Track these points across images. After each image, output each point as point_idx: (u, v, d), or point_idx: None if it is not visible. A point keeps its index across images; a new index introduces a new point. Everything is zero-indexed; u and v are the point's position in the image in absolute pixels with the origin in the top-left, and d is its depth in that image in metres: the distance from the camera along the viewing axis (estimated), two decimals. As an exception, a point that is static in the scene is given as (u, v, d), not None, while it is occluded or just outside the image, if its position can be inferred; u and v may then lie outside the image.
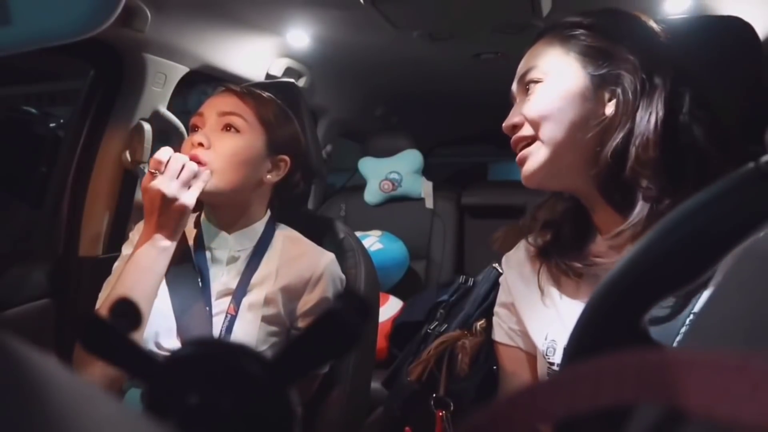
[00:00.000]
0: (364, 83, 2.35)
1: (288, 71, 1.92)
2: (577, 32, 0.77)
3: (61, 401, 0.18)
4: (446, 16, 1.60)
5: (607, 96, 0.74)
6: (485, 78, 2.24)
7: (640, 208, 0.70)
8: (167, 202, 0.96)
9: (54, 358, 0.20)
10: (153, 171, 0.97)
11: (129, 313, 0.30)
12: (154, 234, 0.98)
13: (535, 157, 0.76)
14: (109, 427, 0.19)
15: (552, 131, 0.74)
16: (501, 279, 0.91)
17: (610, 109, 0.73)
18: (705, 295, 0.65)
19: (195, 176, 0.99)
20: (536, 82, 0.77)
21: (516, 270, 0.87)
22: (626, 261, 0.35)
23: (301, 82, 2.00)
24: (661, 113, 0.70)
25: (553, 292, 0.81)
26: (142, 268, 0.98)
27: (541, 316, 0.82)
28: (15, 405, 0.17)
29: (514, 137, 0.79)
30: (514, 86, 0.82)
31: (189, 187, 0.98)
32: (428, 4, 1.49)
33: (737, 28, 0.83)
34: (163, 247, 0.99)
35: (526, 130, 0.77)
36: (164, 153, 0.98)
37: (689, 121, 0.71)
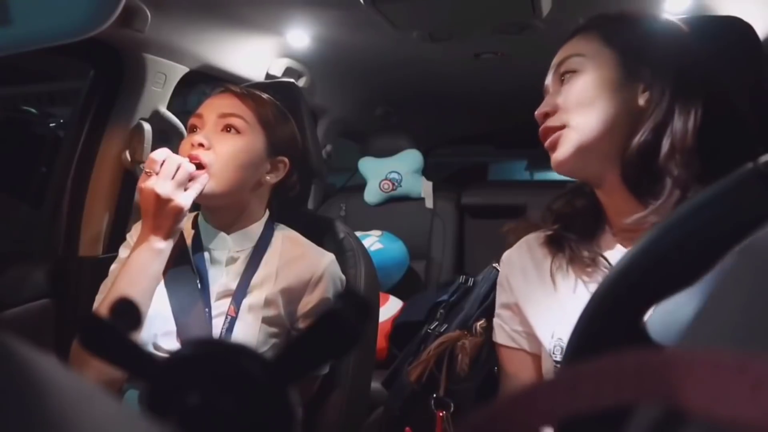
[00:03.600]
0: (364, 83, 2.35)
1: (288, 71, 1.92)
2: (617, 26, 0.79)
3: (61, 401, 0.18)
4: (446, 16, 1.60)
5: (641, 88, 0.75)
6: (485, 78, 2.24)
7: (668, 194, 0.71)
8: (162, 202, 0.95)
9: (54, 358, 0.20)
10: (148, 171, 0.97)
11: (128, 313, 0.30)
12: (150, 235, 0.98)
13: (567, 144, 0.76)
14: (109, 427, 0.19)
15: (585, 121, 0.75)
16: (499, 279, 0.91)
17: (643, 100, 0.75)
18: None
19: (192, 178, 0.98)
20: (572, 72, 0.78)
21: (518, 267, 0.87)
22: (626, 261, 0.35)
23: (301, 82, 2.00)
24: (700, 109, 0.72)
25: (560, 285, 0.81)
26: (136, 270, 0.97)
27: (547, 313, 0.81)
28: (15, 405, 0.17)
29: (543, 126, 0.79)
30: (549, 77, 0.83)
31: (185, 189, 0.98)
32: (428, 4, 1.49)
33: (737, 29, 0.83)
34: (159, 249, 0.98)
35: (558, 119, 0.77)
36: (160, 153, 0.97)
37: (724, 118, 0.72)
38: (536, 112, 0.80)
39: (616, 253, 0.78)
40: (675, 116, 0.73)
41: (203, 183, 1.00)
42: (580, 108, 0.75)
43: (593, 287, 0.78)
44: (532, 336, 0.84)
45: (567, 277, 0.81)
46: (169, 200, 0.95)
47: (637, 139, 0.73)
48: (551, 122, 0.78)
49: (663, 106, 0.73)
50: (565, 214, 0.84)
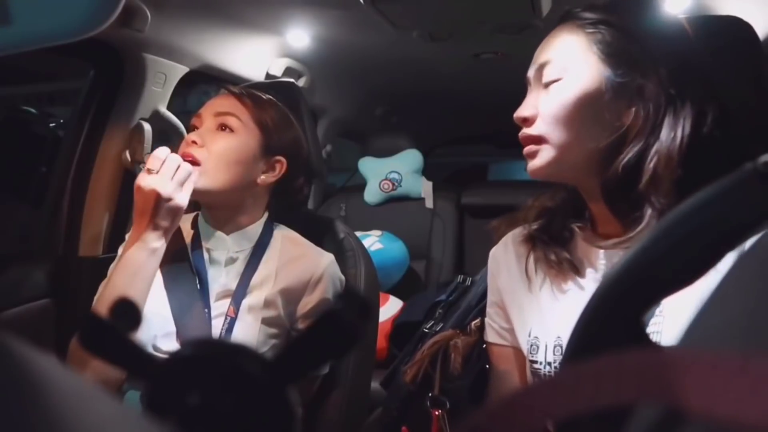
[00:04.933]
0: (364, 83, 2.35)
1: (288, 71, 1.92)
2: (602, 29, 0.73)
3: (61, 401, 0.18)
4: (446, 16, 1.60)
5: (625, 105, 0.71)
6: (485, 78, 2.24)
7: (646, 224, 0.69)
8: (162, 201, 0.95)
9: (54, 358, 0.20)
10: (150, 169, 0.97)
11: (127, 313, 0.30)
12: (146, 234, 0.97)
13: (543, 156, 0.75)
14: (109, 427, 0.19)
15: (563, 135, 0.73)
16: (488, 277, 0.91)
17: (627, 119, 0.71)
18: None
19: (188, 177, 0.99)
20: (554, 81, 0.74)
21: (503, 264, 0.88)
22: (626, 260, 0.35)
23: (301, 82, 2.00)
24: (687, 131, 0.68)
25: (535, 282, 0.82)
26: (131, 270, 0.97)
27: (525, 311, 0.82)
28: (15, 405, 0.17)
29: (522, 134, 0.77)
30: (531, 72, 0.79)
31: (182, 188, 0.98)
32: (428, 4, 1.49)
33: (737, 28, 0.83)
34: (153, 248, 0.98)
35: (536, 129, 0.75)
36: (162, 152, 0.98)
37: (712, 140, 0.69)
38: (515, 115, 0.77)
39: (591, 254, 0.78)
40: (661, 139, 0.69)
41: (194, 181, 1.00)
42: (557, 124, 0.73)
43: (563, 286, 0.79)
44: (514, 332, 0.85)
45: (538, 275, 0.82)
46: (169, 199, 0.96)
47: (620, 160, 0.70)
48: (530, 131, 0.76)
49: (648, 127, 0.70)
50: (547, 209, 0.84)
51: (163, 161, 0.96)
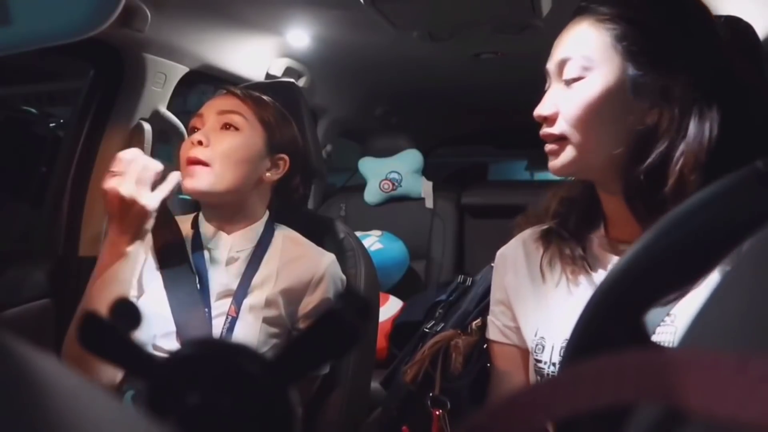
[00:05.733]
0: (364, 83, 2.35)
1: (288, 71, 1.92)
2: (624, 25, 0.71)
3: (61, 401, 0.18)
4: (446, 16, 1.60)
5: (649, 105, 0.70)
6: (485, 78, 2.24)
7: None
8: (126, 204, 0.92)
9: (54, 358, 0.20)
10: (113, 170, 0.93)
11: (128, 313, 0.30)
12: (116, 239, 0.95)
13: (564, 155, 0.74)
14: (109, 427, 0.19)
15: (585, 136, 0.72)
16: (494, 275, 0.91)
17: (650, 119, 0.70)
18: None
19: (161, 179, 0.96)
20: (576, 79, 0.72)
21: (510, 263, 0.88)
22: (626, 260, 0.35)
23: (301, 82, 2.00)
24: (715, 133, 0.67)
25: (547, 280, 0.81)
26: (105, 280, 0.95)
27: (533, 311, 0.82)
28: (15, 404, 0.17)
29: (543, 132, 0.76)
30: (551, 66, 0.76)
31: (151, 189, 0.95)
32: (428, 4, 1.49)
33: (737, 28, 0.83)
34: (125, 252, 0.95)
35: (558, 128, 0.74)
36: (128, 153, 0.95)
37: (737, 143, 0.67)
38: (535, 114, 0.76)
39: (605, 258, 0.78)
40: (688, 141, 0.67)
41: (173, 183, 0.98)
42: (579, 124, 0.72)
43: (574, 285, 0.78)
44: (520, 331, 0.84)
45: (554, 272, 0.81)
46: (132, 201, 0.92)
47: (644, 163, 0.69)
48: (552, 130, 0.75)
49: (673, 129, 0.68)
50: (566, 199, 0.83)
51: (130, 163, 0.93)
